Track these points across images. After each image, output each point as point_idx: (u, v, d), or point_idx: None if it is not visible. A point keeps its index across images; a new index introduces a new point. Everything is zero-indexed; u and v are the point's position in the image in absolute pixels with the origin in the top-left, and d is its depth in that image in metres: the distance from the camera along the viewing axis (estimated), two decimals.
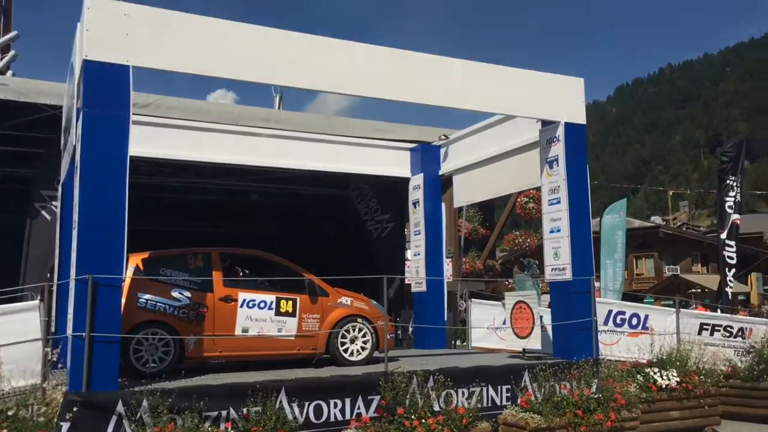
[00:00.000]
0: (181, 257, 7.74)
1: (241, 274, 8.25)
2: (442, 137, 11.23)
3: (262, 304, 7.72)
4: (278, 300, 7.79)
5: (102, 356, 5.81)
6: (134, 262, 7.38)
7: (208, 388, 6.14)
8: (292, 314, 7.84)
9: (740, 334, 11.28)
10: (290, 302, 7.85)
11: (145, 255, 7.58)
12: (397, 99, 7.50)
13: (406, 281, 12.20)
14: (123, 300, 6.46)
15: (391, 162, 11.24)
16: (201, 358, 7.57)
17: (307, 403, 6.48)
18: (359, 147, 11.03)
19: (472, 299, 12.16)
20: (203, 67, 6.58)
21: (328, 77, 7.15)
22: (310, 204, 14.63)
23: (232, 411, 6.02)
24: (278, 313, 7.78)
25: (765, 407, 9.11)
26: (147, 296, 7.26)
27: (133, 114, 6.36)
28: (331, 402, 6.61)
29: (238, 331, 7.56)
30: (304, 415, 6.41)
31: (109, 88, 6.11)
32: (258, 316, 7.68)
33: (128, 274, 6.96)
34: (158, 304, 7.29)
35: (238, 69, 6.77)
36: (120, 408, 5.65)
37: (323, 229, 14.87)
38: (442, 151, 11.19)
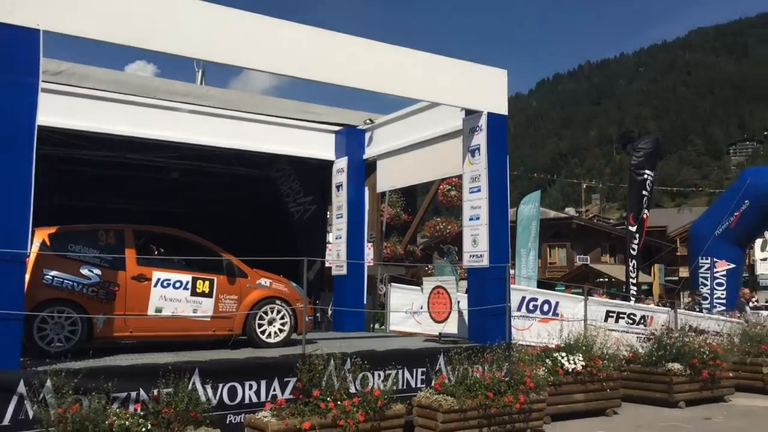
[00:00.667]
0: (92, 233, 7.43)
1: (156, 252, 8.01)
2: (368, 121, 11.23)
3: (177, 284, 7.53)
4: (194, 280, 7.62)
5: (3, 334, 5.53)
6: (40, 237, 7.01)
7: (117, 369, 5.96)
8: (209, 295, 7.70)
9: (642, 321, 11.97)
10: (207, 282, 7.70)
11: (53, 230, 7.23)
12: (320, 80, 7.43)
13: (327, 264, 12.19)
14: (27, 276, 6.16)
15: (315, 144, 11.14)
16: (111, 339, 7.32)
17: (221, 385, 6.40)
18: (283, 127, 10.86)
19: (392, 284, 12.30)
20: (119, 36, 6.29)
21: (250, 53, 6.99)
22: (231, 183, 14.33)
23: (142, 392, 5.87)
24: (194, 293, 7.61)
25: (661, 390, 9.71)
26: (53, 273, 6.93)
27: (44, 82, 6.01)
28: (246, 384, 6.56)
29: (150, 311, 7.36)
30: (217, 397, 6.34)
31: (17, 52, 5.75)
32: (173, 296, 7.49)
33: (33, 249, 6.62)
34: (65, 281, 6.97)
35: (156, 39, 6.51)
36: (21, 388, 5.40)
37: (243, 210, 14.58)
38: (367, 135, 11.19)
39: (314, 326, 11.43)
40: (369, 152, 11.14)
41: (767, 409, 9.85)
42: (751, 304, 23.79)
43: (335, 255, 11.26)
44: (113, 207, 12.64)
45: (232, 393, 6.47)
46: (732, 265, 22.95)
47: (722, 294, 22.41)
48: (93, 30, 6.20)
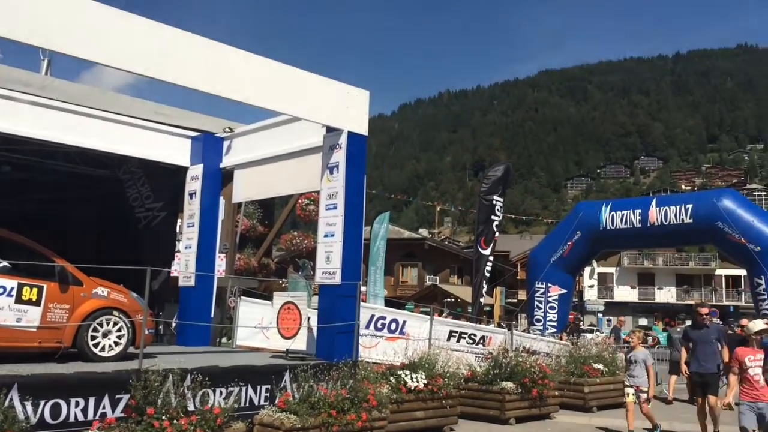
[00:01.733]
0: None
1: None
2: (227, 130, 10.94)
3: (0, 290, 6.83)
4: (20, 286, 6.94)
5: None
6: None
7: None
8: (36, 303, 7.04)
9: (482, 341, 12.59)
10: (35, 290, 7.04)
11: None
12: (176, 83, 7.11)
13: (174, 274, 11.65)
14: None
15: (169, 148, 10.65)
16: None
17: (42, 402, 5.86)
18: (135, 128, 10.28)
19: (242, 297, 12.00)
20: None
21: (101, 47, 6.56)
22: (73, 183, 13.26)
23: None
24: (19, 300, 6.92)
25: (494, 408, 10.25)
26: None
27: None
28: (72, 401, 6.05)
29: None
30: (38, 415, 5.80)
31: None
32: None
33: None
34: None
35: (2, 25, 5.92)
36: None
37: (85, 212, 13.57)
38: (226, 143, 10.90)
39: (156, 340, 10.84)
40: (227, 161, 10.85)
41: (586, 427, 10.72)
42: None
43: (183, 265, 10.80)
44: None
45: (56, 411, 5.94)
46: (564, 291, 24.89)
47: (554, 317, 24.22)
48: None
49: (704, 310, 9.21)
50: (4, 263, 7.05)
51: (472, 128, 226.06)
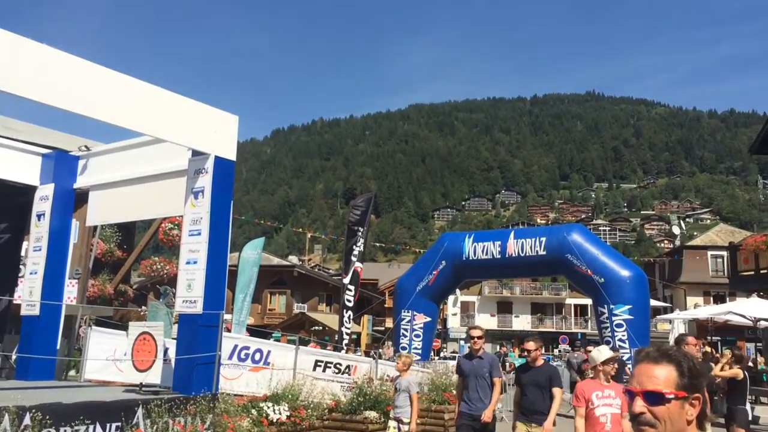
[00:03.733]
0: None
1: None
2: (83, 148, 10.27)
3: None
4: None
5: None
6: None
7: None
8: None
9: (347, 370, 12.61)
10: None
11: None
12: (28, 97, 6.62)
13: (16, 302, 10.68)
14: None
15: (16, 166, 9.82)
16: None
17: None
18: None
19: (93, 327, 11.22)
20: None
21: None
22: None
23: None
24: None
25: None
26: None
27: None
28: None
29: None
30: None
31: None
32: None
33: None
34: None
35: None
36: None
37: None
38: (81, 163, 10.23)
39: None
40: (82, 181, 10.17)
41: None
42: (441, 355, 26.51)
43: (27, 292, 9.92)
44: None
45: None
46: (429, 319, 25.57)
47: (419, 345, 24.78)
48: None
49: (476, 333, 7.32)
50: None
51: (344, 157, 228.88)
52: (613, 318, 20.65)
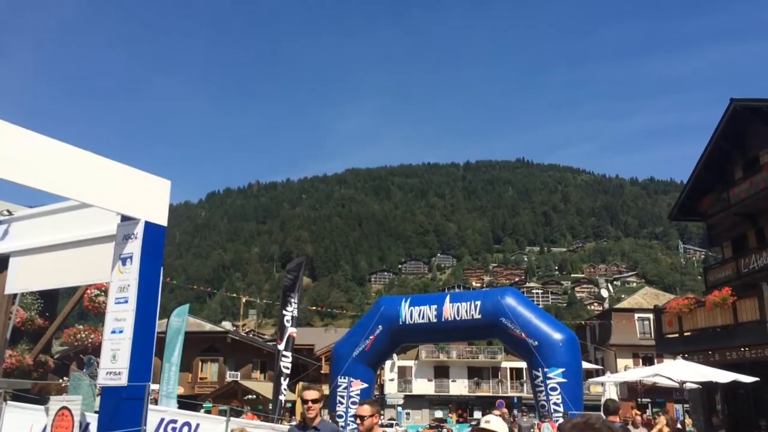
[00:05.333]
0: None
1: None
2: (5, 212, 9.88)
3: None
4: None
5: None
6: None
7: None
8: None
9: None
10: None
11: None
12: None
13: None
14: None
15: None
16: None
17: None
18: None
19: (9, 401, 10.52)
20: None
21: None
22: None
23: None
24: None
25: None
26: None
27: None
28: None
29: None
30: None
31: None
32: None
33: None
34: None
35: None
36: None
37: None
38: (2, 227, 9.80)
39: None
40: (2, 247, 9.72)
41: None
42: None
43: None
44: None
45: None
46: (365, 385, 25.19)
47: (355, 411, 24.27)
48: None
49: (310, 395, 5.79)
50: None
51: (280, 220, 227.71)
52: (548, 381, 20.86)
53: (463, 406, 55.64)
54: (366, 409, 5.45)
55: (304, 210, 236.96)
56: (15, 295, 14.18)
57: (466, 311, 23.28)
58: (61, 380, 17.95)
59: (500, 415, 9.95)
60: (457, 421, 53.52)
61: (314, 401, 5.82)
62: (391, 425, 34.87)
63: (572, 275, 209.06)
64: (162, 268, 8.47)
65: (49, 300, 18.28)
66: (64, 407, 7.90)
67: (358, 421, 5.52)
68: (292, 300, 19.08)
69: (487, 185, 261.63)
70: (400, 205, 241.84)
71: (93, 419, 8.28)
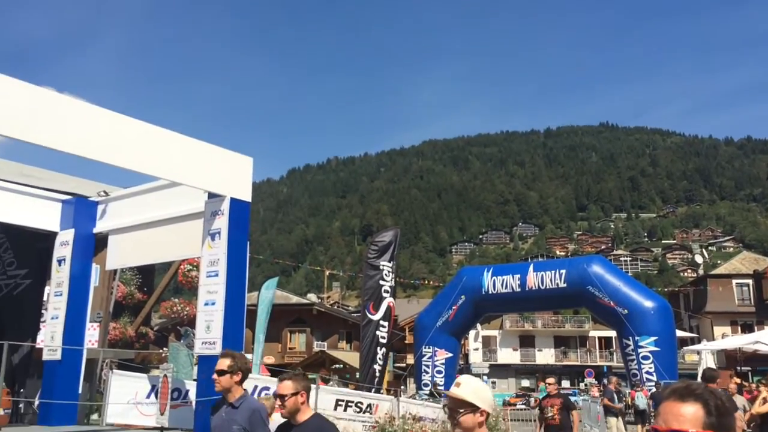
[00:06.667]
0: None
1: None
2: (102, 193, 10.44)
3: None
4: None
5: None
6: None
7: None
8: None
9: (368, 409, 12.45)
10: None
11: None
12: (50, 146, 6.78)
13: (38, 347, 10.75)
14: None
15: (37, 212, 9.99)
16: None
17: None
18: None
19: (115, 370, 11.22)
20: None
21: None
22: None
23: None
24: None
25: None
26: None
27: None
28: None
29: None
30: None
31: None
32: None
33: None
34: None
35: None
36: None
37: None
38: (100, 208, 10.38)
39: (15, 420, 9.91)
40: (101, 226, 10.30)
41: None
42: None
43: (49, 337, 9.99)
44: None
45: None
46: (450, 354, 25.31)
47: (441, 381, 24.47)
48: None
49: (223, 363, 4.55)
50: None
51: (360, 194, 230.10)
52: (639, 350, 20.28)
53: (550, 375, 55.04)
54: (287, 386, 3.88)
55: (382, 183, 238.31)
56: (115, 271, 15.06)
57: (551, 280, 22.89)
58: (161, 350, 18.95)
59: (554, 383, 9.83)
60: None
61: (220, 372, 4.45)
62: None
63: (663, 241, 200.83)
64: (248, 242, 8.76)
65: (147, 275, 19.28)
66: (165, 375, 8.38)
67: (278, 402, 4.06)
68: (383, 270, 19.27)
69: (569, 152, 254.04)
70: (479, 175, 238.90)
71: (192, 386, 8.72)
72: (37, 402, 10.17)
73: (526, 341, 58.93)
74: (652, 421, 10.03)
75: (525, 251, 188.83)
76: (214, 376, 4.49)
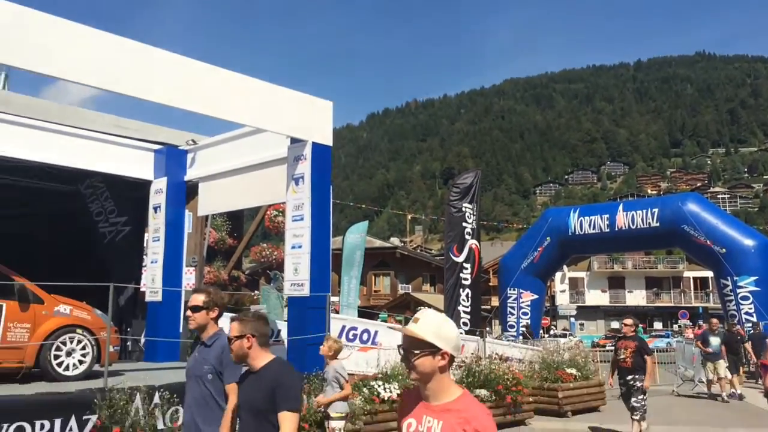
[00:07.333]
0: None
1: None
2: (191, 142, 10.78)
3: None
4: None
5: None
6: None
7: None
8: None
9: None
10: None
11: None
12: (139, 96, 6.98)
13: (141, 289, 11.42)
14: None
15: (132, 162, 10.46)
16: None
17: (6, 425, 5.66)
18: (96, 142, 10.07)
19: None
20: None
21: (58, 62, 6.41)
22: (33, 199, 12.89)
23: None
24: None
25: None
26: None
27: None
28: (38, 423, 5.85)
29: None
30: None
31: None
32: None
33: None
34: None
35: None
36: None
37: (46, 228, 13.23)
38: (190, 156, 10.74)
39: (125, 357, 10.63)
40: (191, 174, 10.68)
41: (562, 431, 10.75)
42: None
43: (150, 280, 10.59)
44: None
45: None
46: (536, 296, 25.08)
47: (527, 322, 24.36)
48: None
49: (197, 299, 4.10)
50: None
51: (440, 137, 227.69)
52: (738, 290, 19.40)
53: (641, 317, 53.57)
54: (234, 328, 3.36)
55: (463, 125, 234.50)
56: (207, 218, 15.67)
57: (642, 220, 22.06)
58: (253, 293, 19.73)
59: (630, 325, 9.40)
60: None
61: (194, 309, 4.04)
62: (564, 335, 34.67)
63: (764, 177, 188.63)
64: (331, 186, 8.84)
65: (236, 221, 19.95)
66: None
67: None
68: (465, 212, 19.13)
69: (662, 84, 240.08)
70: (564, 113, 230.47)
71: (283, 326, 9.04)
72: (143, 340, 10.88)
73: (616, 283, 57.50)
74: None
75: (614, 191, 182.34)
76: (188, 312, 4.06)
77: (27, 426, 5.80)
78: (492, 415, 2.25)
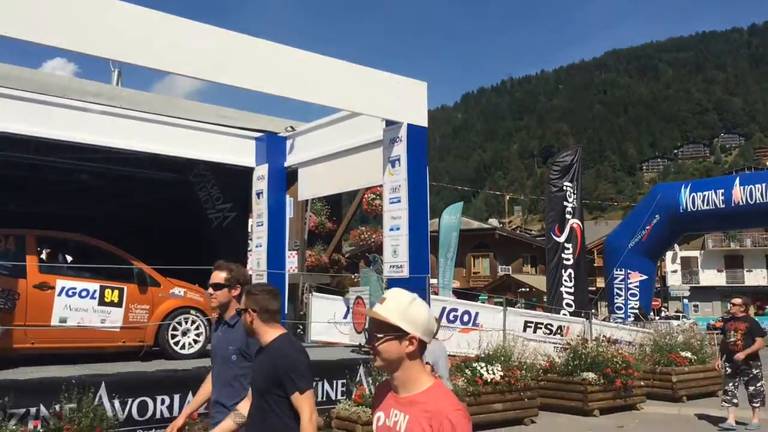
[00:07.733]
0: None
1: (61, 260, 7.58)
2: (289, 129, 11.00)
3: (83, 293, 7.15)
4: (102, 289, 7.25)
5: None
6: None
7: (15, 383, 5.62)
8: (118, 304, 7.34)
9: (559, 331, 12.27)
10: (116, 291, 7.34)
11: None
12: (239, 85, 7.16)
13: (249, 272, 11.88)
14: None
15: (235, 150, 10.81)
16: (10, 350, 6.84)
17: (130, 400, 6.09)
18: (201, 132, 10.48)
19: (314, 293, 12.13)
20: (32, 33, 5.86)
21: (164, 56, 6.69)
22: (145, 188, 13.71)
23: (42, 408, 5.52)
24: (102, 302, 7.24)
25: (576, 399, 9.96)
26: None
27: None
28: (158, 398, 6.27)
29: (54, 322, 6.94)
30: (126, 412, 6.04)
31: None
32: (78, 306, 7.10)
33: None
34: None
35: (72, 39, 6.10)
36: None
37: (158, 215, 14.03)
38: (289, 142, 10.96)
39: None
40: (290, 160, 10.90)
41: (676, 417, 10.26)
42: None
43: (255, 263, 10.98)
44: (14, 210, 11.86)
45: (143, 408, 6.17)
46: (644, 277, 23.99)
47: (635, 304, 23.38)
48: (6, 27, 5.76)
49: (219, 275, 3.96)
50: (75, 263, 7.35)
51: (537, 114, 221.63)
52: None
53: (762, 298, 50.12)
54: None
55: (561, 101, 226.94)
56: (306, 202, 16.06)
57: (762, 194, 20.60)
58: (353, 276, 20.08)
59: (740, 304, 8.61)
60: (755, 314, 48.69)
61: (215, 285, 3.88)
62: (677, 317, 33.06)
63: None
64: (427, 167, 8.77)
65: (335, 206, 20.32)
66: (359, 297, 8.84)
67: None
68: (566, 191, 18.55)
69: None
70: (672, 84, 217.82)
71: None
72: None
73: (733, 262, 53.98)
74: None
75: (729, 164, 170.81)
76: (210, 290, 3.92)
77: (149, 401, 6.19)
78: (465, 410, 1.94)
